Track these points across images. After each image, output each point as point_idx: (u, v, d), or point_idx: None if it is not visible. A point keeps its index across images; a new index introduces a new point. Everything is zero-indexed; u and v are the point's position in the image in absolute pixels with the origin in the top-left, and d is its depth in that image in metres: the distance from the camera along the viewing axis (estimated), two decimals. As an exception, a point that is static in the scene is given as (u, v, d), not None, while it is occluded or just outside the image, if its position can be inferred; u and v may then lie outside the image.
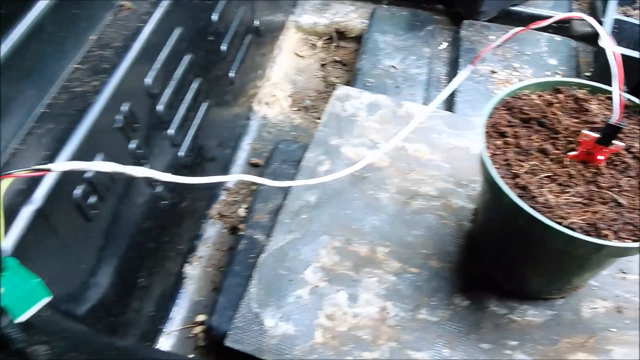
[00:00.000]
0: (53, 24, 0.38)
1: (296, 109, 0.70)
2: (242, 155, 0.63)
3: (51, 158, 0.34)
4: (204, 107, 0.54)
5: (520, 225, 0.42)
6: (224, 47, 0.57)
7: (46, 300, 0.28)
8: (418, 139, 0.58)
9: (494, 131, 0.44)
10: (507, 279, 0.49)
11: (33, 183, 0.33)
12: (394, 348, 0.46)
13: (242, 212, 0.58)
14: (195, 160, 0.53)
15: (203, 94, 0.53)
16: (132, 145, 0.42)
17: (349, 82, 0.69)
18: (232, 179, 0.42)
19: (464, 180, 0.56)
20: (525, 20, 0.73)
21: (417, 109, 0.61)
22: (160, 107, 0.45)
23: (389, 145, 0.54)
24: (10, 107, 0.35)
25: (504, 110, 0.45)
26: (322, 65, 0.75)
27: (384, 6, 0.76)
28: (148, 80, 0.43)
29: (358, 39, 0.77)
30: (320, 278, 0.50)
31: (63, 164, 0.30)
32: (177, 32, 0.46)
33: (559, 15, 0.42)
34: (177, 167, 0.49)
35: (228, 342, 0.46)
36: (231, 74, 0.60)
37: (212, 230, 0.56)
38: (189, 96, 0.50)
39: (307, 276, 0.50)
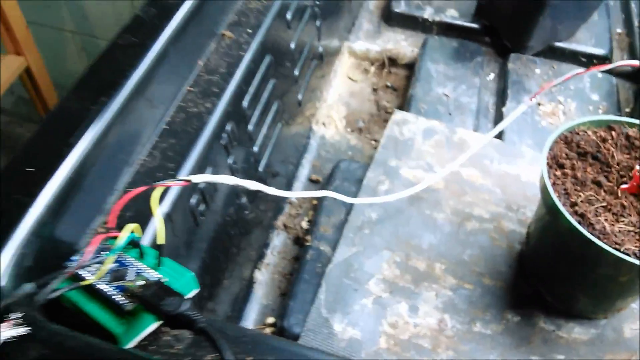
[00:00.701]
0: (173, 51, 0.43)
1: (350, 130, 0.74)
2: (304, 172, 0.68)
3: (175, 170, 0.39)
4: (278, 127, 0.59)
5: (574, 250, 0.47)
6: (296, 72, 0.62)
7: (195, 291, 0.32)
8: (471, 164, 0.63)
9: (554, 162, 0.48)
10: (556, 299, 0.53)
11: (164, 191, 0.38)
12: (451, 357, 0.50)
13: (304, 224, 0.62)
14: (266, 176, 0.58)
15: (279, 115, 0.58)
16: (230, 160, 0.47)
17: (402, 107, 0.74)
18: (319, 194, 0.46)
19: (515, 205, 0.60)
20: (569, 55, 0.78)
21: (472, 137, 0.66)
22: (250, 127, 0.50)
23: (446, 169, 0.58)
24: (140, 125, 0.40)
25: (563, 143, 0.50)
26: (374, 89, 0.80)
27: (435, 37, 0.81)
28: (245, 103, 0.48)
29: (408, 66, 0.82)
30: (382, 289, 0.54)
31: (199, 176, 0.34)
32: (267, 60, 0.51)
33: (620, 62, 0.46)
34: (256, 181, 0.54)
35: (301, 342, 0.50)
36: (299, 97, 0.65)
37: (278, 240, 0.61)
38: (269, 117, 0.55)
39: (371, 287, 0.54)
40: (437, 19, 0.83)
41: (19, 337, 0.26)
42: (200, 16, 0.46)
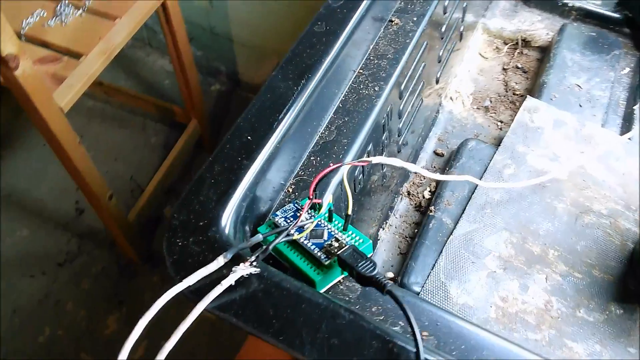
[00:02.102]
0: (351, 37, 0.48)
1: (477, 107, 0.78)
2: (430, 144, 0.73)
3: (348, 145, 0.46)
4: (418, 103, 0.64)
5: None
6: (441, 53, 0.66)
7: (371, 254, 0.39)
8: (596, 159, 0.66)
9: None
10: (663, 300, 0.57)
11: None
12: (553, 335, 0.56)
13: (426, 193, 0.68)
14: (400, 147, 0.64)
15: (421, 92, 0.63)
16: (384, 136, 0.53)
17: (531, 91, 0.77)
18: (461, 179, 0.52)
19: (634, 205, 0.63)
20: None
21: (600, 133, 0.68)
22: (401, 107, 0.56)
23: (572, 162, 0.62)
24: (322, 102, 0.46)
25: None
26: (504, 69, 0.82)
27: (574, 24, 0.81)
28: (403, 85, 0.53)
29: (541, 49, 0.83)
30: (497, 266, 0.60)
31: (376, 158, 0.41)
32: (424, 45, 0.56)
33: None
34: (394, 154, 0.60)
35: (421, 295, 0.58)
36: (438, 75, 0.69)
37: (401, 205, 0.67)
38: (414, 96, 0.60)
39: (487, 262, 0.60)
40: (577, 4, 0.83)
41: (250, 274, 0.34)
42: (376, 3, 0.51)
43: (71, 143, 1.05)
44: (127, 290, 1.56)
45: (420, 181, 0.69)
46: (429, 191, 0.68)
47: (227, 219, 0.38)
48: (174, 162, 1.61)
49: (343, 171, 0.39)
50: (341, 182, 0.41)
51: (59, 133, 1.00)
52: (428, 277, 0.59)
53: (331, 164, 0.39)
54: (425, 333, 0.35)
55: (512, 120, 0.75)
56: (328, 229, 0.39)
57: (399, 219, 0.67)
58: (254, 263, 0.35)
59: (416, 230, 0.65)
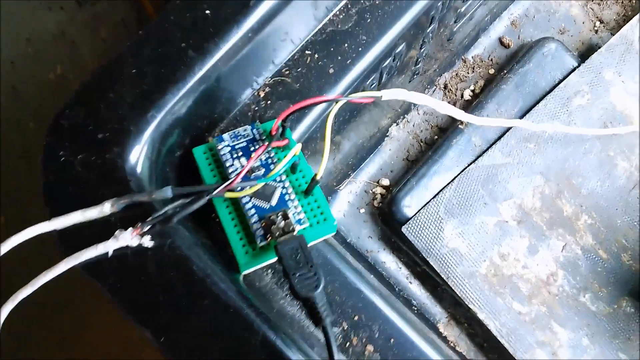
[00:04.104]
0: None
1: (580, -10, 0.58)
2: (499, 27, 0.55)
3: (366, 45, 0.31)
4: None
5: None
6: None
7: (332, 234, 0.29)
8: (699, 118, 0.49)
9: None
10: (687, 318, 0.47)
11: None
12: (541, 313, 0.48)
13: (467, 94, 0.53)
14: (453, 33, 0.47)
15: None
16: (429, 30, 0.37)
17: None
18: (509, 123, 0.38)
19: None
20: None
21: None
22: None
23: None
24: None
25: None
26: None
27: None
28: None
29: None
30: (512, 216, 0.49)
31: (391, 91, 0.27)
32: None
33: None
34: (440, 43, 0.44)
35: (404, 229, 0.48)
36: None
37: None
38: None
39: (503, 208, 0.49)
40: None
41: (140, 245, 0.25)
42: None
43: None
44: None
45: (466, 75, 0.54)
46: (471, 91, 0.54)
47: (143, 136, 0.27)
48: None
49: (333, 108, 0.26)
50: (322, 118, 0.28)
51: None
52: (426, 205, 0.49)
53: (319, 96, 0.26)
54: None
55: (616, 23, 0.56)
56: (283, 187, 0.28)
57: (421, 116, 0.53)
58: (147, 232, 0.25)
59: (436, 138, 0.53)
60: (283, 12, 0.30)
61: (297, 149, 0.27)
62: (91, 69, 1.42)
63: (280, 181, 0.28)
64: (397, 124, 0.53)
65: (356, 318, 0.28)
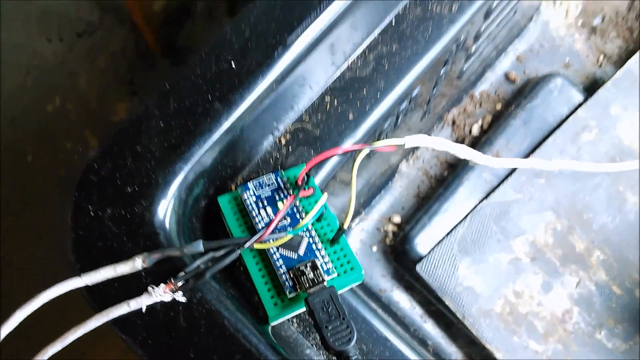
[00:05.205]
0: None
1: (582, 24, 0.59)
2: (505, 62, 0.56)
3: (385, 89, 0.31)
4: (510, 16, 0.46)
5: None
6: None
7: (358, 283, 0.28)
8: None
9: None
10: None
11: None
12: (558, 350, 0.47)
13: (475, 129, 0.54)
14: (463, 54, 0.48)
15: None
16: (442, 72, 0.37)
17: (663, 23, 0.57)
18: (523, 165, 0.38)
19: None
20: None
21: None
22: (482, 27, 0.39)
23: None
24: (358, 14, 0.31)
25: None
26: (641, -23, 0.61)
27: None
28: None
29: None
30: (526, 252, 0.48)
31: (414, 138, 0.28)
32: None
33: None
34: (452, 80, 0.45)
35: (418, 268, 0.48)
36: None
37: (440, 135, 0.54)
38: (508, 8, 0.42)
39: (515, 244, 0.49)
40: None
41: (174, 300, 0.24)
42: None
43: None
44: (142, 82, 1.48)
45: (474, 110, 0.54)
46: (480, 126, 0.54)
47: (171, 189, 0.27)
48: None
49: (358, 157, 0.26)
50: (341, 164, 0.28)
51: None
52: (440, 243, 0.48)
53: (341, 147, 0.26)
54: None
55: (619, 57, 0.57)
56: (310, 237, 0.28)
57: (431, 152, 0.54)
58: (179, 289, 0.24)
59: (446, 174, 0.53)
60: (304, 62, 0.30)
61: (323, 199, 0.27)
62: (89, 99, 1.42)
63: (307, 230, 0.28)
64: (407, 160, 0.53)
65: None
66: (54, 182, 1.38)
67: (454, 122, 0.54)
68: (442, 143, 0.30)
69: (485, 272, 0.48)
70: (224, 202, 0.29)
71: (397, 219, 0.52)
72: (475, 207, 0.49)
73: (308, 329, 0.29)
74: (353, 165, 0.26)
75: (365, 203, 0.52)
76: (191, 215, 0.29)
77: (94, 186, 0.26)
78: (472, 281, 0.48)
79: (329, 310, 0.25)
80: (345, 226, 0.27)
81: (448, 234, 0.49)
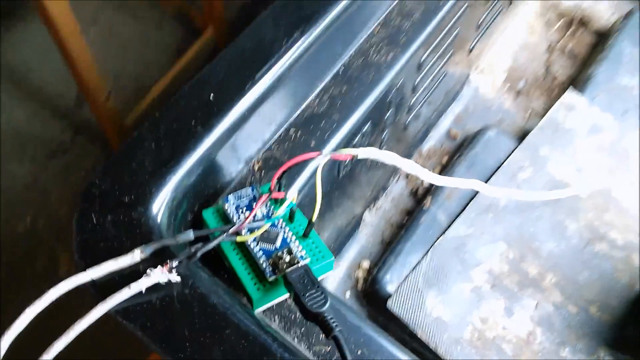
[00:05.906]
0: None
1: (508, 88, 0.68)
2: (445, 122, 0.64)
3: (339, 122, 0.37)
4: (441, 75, 0.54)
5: None
6: (482, 18, 0.55)
7: (329, 273, 0.32)
8: (625, 180, 0.57)
9: None
10: (660, 359, 0.50)
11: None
12: (528, 371, 0.50)
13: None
14: (409, 120, 0.55)
15: (447, 64, 0.53)
16: (388, 114, 0.44)
17: (574, 82, 0.66)
18: (468, 185, 0.44)
19: (656, 243, 0.55)
20: None
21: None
22: (418, 79, 0.46)
23: (599, 180, 0.53)
24: (313, 62, 0.38)
25: None
26: (550, 49, 0.72)
27: (645, 11, 0.69)
28: (425, 55, 0.44)
29: (598, 34, 0.72)
30: (485, 280, 0.53)
31: (366, 150, 0.33)
32: (463, 7, 0.46)
33: None
34: (398, 131, 0.52)
35: (389, 303, 0.51)
36: (473, 44, 0.59)
37: (395, 187, 0.60)
38: (438, 68, 0.50)
39: (475, 275, 0.53)
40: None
41: (169, 281, 0.28)
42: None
43: (71, 31, 0.97)
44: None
45: (423, 163, 0.61)
46: (431, 177, 0.60)
47: (162, 198, 0.31)
48: (184, 68, 1.51)
49: (319, 162, 0.31)
50: (313, 175, 0.33)
51: (58, 18, 0.91)
52: (406, 279, 0.52)
53: (306, 153, 0.31)
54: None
55: (544, 111, 0.65)
56: (285, 232, 0.32)
57: (390, 202, 0.59)
58: (175, 268, 0.28)
59: (406, 220, 0.58)
60: (271, 99, 0.36)
61: (292, 196, 0.32)
62: (61, 216, 1.44)
63: (281, 227, 0.32)
64: (370, 210, 0.58)
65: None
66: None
67: (407, 175, 0.61)
68: (391, 157, 0.35)
69: (450, 302, 0.51)
70: (208, 214, 0.33)
71: (366, 264, 0.56)
72: (434, 243, 0.54)
73: (289, 325, 0.32)
74: (317, 170, 0.31)
75: (335, 251, 0.56)
76: (180, 223, 0.32)
77: (95, 197, 0.30)
78: (440, 311, 0.51)
79: (305, 282, 0.29)
80: (314, 219, 0.32)
81: (413, 269, 0.53)
